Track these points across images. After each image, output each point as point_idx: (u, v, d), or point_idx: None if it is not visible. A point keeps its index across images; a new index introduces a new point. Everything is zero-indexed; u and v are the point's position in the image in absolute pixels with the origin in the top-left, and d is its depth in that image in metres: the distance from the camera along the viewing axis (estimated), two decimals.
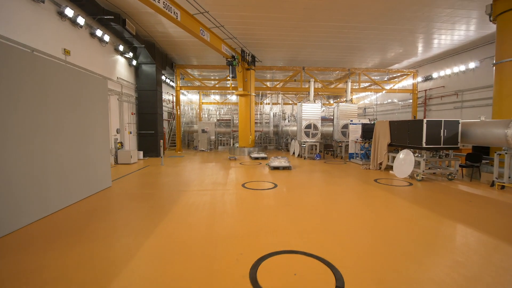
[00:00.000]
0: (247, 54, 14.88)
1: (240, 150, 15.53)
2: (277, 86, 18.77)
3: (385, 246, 3.62)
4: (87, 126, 6.32)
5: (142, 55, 13.88)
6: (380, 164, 10.01)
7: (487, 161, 8.09)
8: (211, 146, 19.78)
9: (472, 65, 14.57)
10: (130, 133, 13.67)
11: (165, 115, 20.76)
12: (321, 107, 26.05)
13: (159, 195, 6.41)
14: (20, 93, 4.39)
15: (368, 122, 12.85)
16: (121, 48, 12.13)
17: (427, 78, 17.88)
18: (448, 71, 16.18)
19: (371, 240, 3.83)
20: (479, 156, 7.95)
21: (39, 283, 2.77)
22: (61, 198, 5.31)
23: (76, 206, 5.45)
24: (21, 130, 4.40)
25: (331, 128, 15.46)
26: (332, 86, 21.63)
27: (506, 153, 6.67)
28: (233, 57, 13.35)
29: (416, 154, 8.19)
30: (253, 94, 15.61)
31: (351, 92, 19.04)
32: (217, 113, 23.58)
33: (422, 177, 7.85)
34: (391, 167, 9.56)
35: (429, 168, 8.41)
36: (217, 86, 19.22)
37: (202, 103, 27.22)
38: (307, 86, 18.43)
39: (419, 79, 18.55)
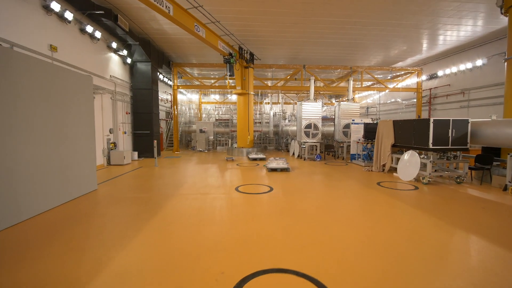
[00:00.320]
0: (245, 52, 14.42)
1: (239, 151, 15.08)
2: (277, 85, 18.27)
3: (389, 265, 3.14)
4: (67, 125, 5.89)
5: (137, 53, 13.47)
6: (383, 166, 9.51)
7: (498, 163, 7.56)
8: (210, 146, 19.35)
9: (479, 62, 13.99)
10: (125, 133, 13.27)
11: (163, 115, 20.39)
12: (323, 106, 25.62)
13: (145, 199, 5.97)
14: None
15: (371, 122, 12.33)
16: (114, 45, 11.73)
17: (432, 77, 17.30)
18: (454, 69, 15.60)
19: (373, 256, 3.35)
20: (489, 158, 7.42)
21: None
22: (33, 205, 4.87)
23: (51, 212, 5.02)
24: None
25: (332, 128, 14.95)
26: (334, 85, 21.12)
27: None
28: (230, 54, 12.90)
29: (422, 156, 7.68)
30: (251, 93, 15.14)
31: (353, 91, 18.55)
32: (215, 113, 23.13)
33: (429, 180, 7.34)
34: (394, 169, 9.05)
35: (435, 171, 7.89)
36: (215, 85, 18.77)
37: (202, 102, 26.83)
38: (308, 85, 17.91)
39: (424, 77, 17.97)
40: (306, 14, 10.73)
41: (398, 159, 8.74)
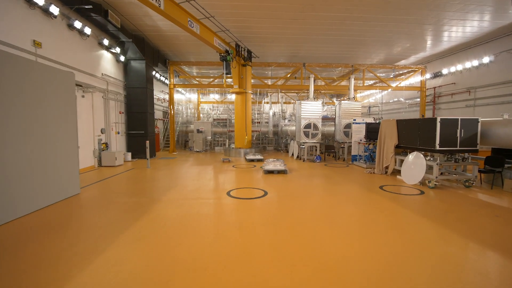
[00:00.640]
0: (242, 49, 13.96)
1: (236, 151, 14.62)
2: (276, 84, 17.78)
3: None
4: (45, 124, 5.46)
5: (131, 51, 13.04)
6: (386, 168, 9.01)
7: (510, 165, 7.04)
8: (207, 147, 18.91)
9: (486, 59, 13.44)
10: (118, 133, 12.85)
11: (159, 115, 19.97)
12: (323, 106, 25.08)
13: (128, 205, 5.52)
14: None
15: (373, 122, 11.82)
16: (106, 42, 11.30)
17: (436, 75, 16.75)
18: (459, 67, 15.05)
19: (375, 278, 2.87)
20: (500, 160, 6.91)
21: None
22: (2, 212, 4.43)
23: (18, 222, 4.57)
24: None
25: (333, 128, 14.46)
26: (335, 83, 20.60)
27: None
28: (227, 51, 12.43)
29: (428, 158, 7.17)
30: (249, 91, 14.68)
31: (354, 90, 18.02)
32: (213, 112, 22.63)
33: (435, 184, 6.84)
34: (398, 172, 8.55)
35: (441, 174, 7.39)
36: (212, 83, 18.31)
37: (201, 102, 26.38)
38: (308, 84, 17.40)
39: (428, 75, 17.42)
40: (305, 9, 10.24)
41: (402, 161, 8.24)
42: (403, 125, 8.25)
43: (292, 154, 14.29)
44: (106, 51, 11.84)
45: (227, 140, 18.11)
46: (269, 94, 23.00)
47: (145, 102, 13.61)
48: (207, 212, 5.02)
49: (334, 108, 17.97)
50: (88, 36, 10.12)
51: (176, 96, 22.69)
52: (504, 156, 7.02)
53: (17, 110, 4.81)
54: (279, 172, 9.16)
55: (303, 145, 12.58)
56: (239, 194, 6.34)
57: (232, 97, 24.60)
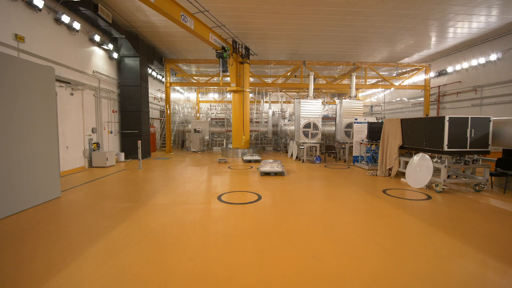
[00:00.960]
0: (239, 46, 13.49)
1: (233, 152, 14.15)
2: (276, 82, 17.29)
3: None
4: (19, 123, 5.01)
5: (124, 47, 12.61)
6: (390, 170, 8.51)
7: None
8: (205, 147, 18.45)
9: (493, 57, 12.90)
10: (111, 132, 12.42)
11: (157, 114, 19.56)
12: (324, 105, 24.57)
13: (107, 211, 5.06)
14: None
15: (375, 121, 11.30)
16: (97, 38, 10.86)
17: (441, 73, 16.21)
18: (465, 65, 14.51)
19: None
20: None
21: None
22: None
23: None
24: None
25: (333, 128, 13.96)
26: (336, 82, 20.09)
27: None
28: (223, 48, 11.98)
29: (435, 159, 6.67)
30: (247, 90, 14.20)
31: (356, 89, 17.52)
32: (210, 112, 22.15)
33: (443, 188, 6.33)
34: (402, 174, 8.05)
35: (448, 177, 6.88)
36: (210, 82, 17.85)
37: (200, 101, 25.95)
38: (308, 83, 16.93)
39: (432, 74, 16.88)
40: (304, 3, 9.76)
41: (406, 162, 7.74)
42: (408, 125, 7.75)
43: (292, 155, 13.81)
44: (98, 48, 11.41)
45: (224, 140, 17.64)
46: (269, 93, 22.55)
47: (139, 100, 13.17)
48: (192, 220, 4.55)
49: (335, 107, 17.45)
50: (77, 31, 9.70)
51: (174, 95, 22.31)
52: None
53: None
54: (276, 174, 8.68)
55: (302, 146, 12.10)
56: (231, 199, 5.87)
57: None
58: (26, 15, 7.63)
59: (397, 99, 20.73)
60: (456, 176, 7.31)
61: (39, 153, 5.54)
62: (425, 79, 17.03)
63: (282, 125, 17.68)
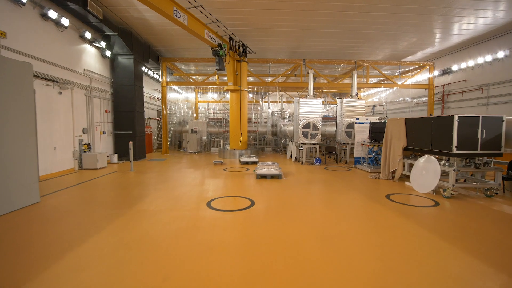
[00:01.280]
0: (236, 43, 13.06)
1: (231, 153, 13.72)
2: (274, 82, 16.81)
3: None
4: None
5: (117, 45, 12.21)
6: (393, 173, 8.04)
7: None
8: (203, 147, 18.03)
9: (501, 54, 12.39)
10: (104, 133, 12.02)
11: (153, 114, 19.18)
12: (325, 105, 24.11)
13: (84, 219, 4.63)
14: None
15: (378, 121, 10.82)
16: (88, 35, 10.46)
17: (446, 72, 15.70)
18: (470, 63, 14.00)
19: None
20: None
21: None
22: None
23: None
24: None
25: (334, 128, 13.49)
26: (337, 81, 19.61)
27: None
28: (219, 46, 11.54)
29: (443, 162, 6.20)
30: (245, 89, 13.76)
31: (358, 88, 17.04)
32: (207, 112, 21.70)
33: (452, 193, 5.86)
34: (407, 177, 7.59)
35: (456, 181, 6.40)
36: (206, 81, 17.40)
37: (198, 101, 25.54)
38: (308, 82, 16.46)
39: (436, 73, 16.37)
40: None
41: (411, 165, 7.27)
42: (413, 125, 7.27)
43: (291, 156, 13.35)
44: (89, 45, 11.01)
45: (222, 141, 17.20)
46: (268, 93, 22.09)
47: (133, 100, 12.77)
48: (175, 230, 4.10)
49: (336, 107, 17.00)
50: (66, 27, 9.30)
51: (173, 95, 21.92)
52: None
53: None
54: (273, 177, 8.23)
55: (301, 147, 11.64)
56: (221, 205, 5.43)
57: None
58: (8, 9, 7.23)
59: (400, 99, 20.22)
60: (464, 180, 6.83)
61: (14, 156, 5.13)
62: (429, 78, 16.52)
63: (282, 125, 17.23)
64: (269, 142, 18.98)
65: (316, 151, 11.92)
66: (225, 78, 14.62)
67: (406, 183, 7.36)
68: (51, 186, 7.24)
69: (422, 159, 6.71)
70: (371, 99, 24.49)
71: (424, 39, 13.57)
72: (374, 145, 9.84)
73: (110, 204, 5.55)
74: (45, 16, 8.44)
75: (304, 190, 6.82)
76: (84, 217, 4.76)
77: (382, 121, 10.38)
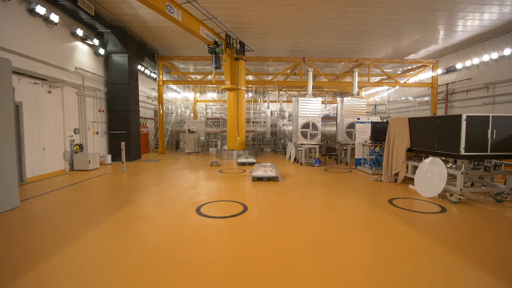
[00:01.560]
0: (234, 41, 12.69)
1: (228, 154, 13.36)
2: (273, 80, 16.42)
3: None
4: None
5: (111, 43, 11.86)
6: (396, 175, 7.64)
7: None
8: (201, 148, 17.67)
9: (507, 51, 11.95)
10: (97, 133, 11.68)
11: (151, 114, 18.84)
12: (326, 104, 23.71)
13: (59, 228, 4.28)
14: None
15: (380, 121, 10.42)
16: (80, 32, 10.12)
17: (449, 70, 15.26)
18: (475, 60, 13.56)
19: None
20: None
21: None
22: None
23: None
24: None
25: (334, 128, 13.09)
26: (338, 80, 19.19)
27: None
28: (216, 43, 11.17)
29: (450, 165, 5.80)
30: (243, 88, 13.40)
31: (359, 87, 16.68)
32: (205, 112, 21.31)
33: (459, 198, 5.46)
34: (410, 180, 7.19)
35: (465, 185, 6.00)
36: (204, 80, 17.03)
37: (198, 101, 25.19)
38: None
39: (439, 71, 15.93)
40: None
41: (415, 167, 6.87)
42: (417, 124, 6.88)
43: (290, 157, 12.97)
44: (81, 43, 10.68)
45: (219, 141, 16.83)
46: (268, 92, 21.71)
47: (128, 99, 12.43)
48: (153, 244, 3.71)
49: (336, 106, 16.60)
50: (55, 24, 8.95)
51: (171, 95, 21.58)
52: None
53: None
54: (269, 179, 7.86)
55: (300, 147, 11.25)
56: (211, 211, 5.06)
57: None
58: None
59: (402, 98, 19.78)
60: (472, 184, 6.42)
61: None
62: (432, 77, 16.08)
63: (281, 125, 16.85)
64: (268, 143, 18.61)
65: (315, 152, 11.53)
66: (223, 77, 14.29)
67: (410, 186, 6.96)
68: (37, 189, 6.91)
69: (427, 161, 6.31)
70: (373, 98, 24.06)
71: (428, 36, 13.15)
72: (376, 146, 9.45)
73: (92, 210, 5.19)
74: (32, 12, 8.10)
75: (301, 194, 6.44)
76: (61, 224, 4.41)
77: (384, 121, 9.98)
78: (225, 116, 18.36)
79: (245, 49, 13.62)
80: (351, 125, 11.86)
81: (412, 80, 16.99)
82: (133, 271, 2.97)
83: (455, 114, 5.43)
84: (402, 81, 16.84)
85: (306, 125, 11.29)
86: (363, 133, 10.51)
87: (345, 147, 11.98)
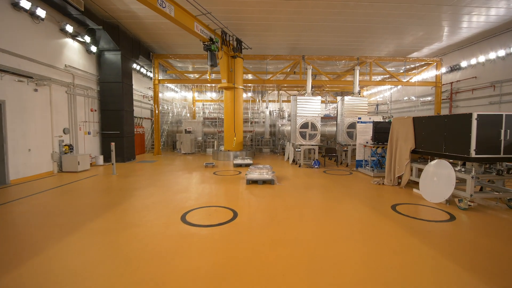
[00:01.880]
0: (230, 37, 12.27)
1: (225, 154, 12.94)
2: (272, 79, 15.97)
3: None
4: None
5: (103, 40, 11.48)
6: (399, 178, 7.20)
7: None
8: (198, 148, 17.27)
9: None
10: (89, 133, 11.29)
11: (147, 113, 18.46)
12: (326, 104, 23.25)
13: (24, 238, 3.87)
14: None
15: (382, 120, 9.97)
16: (69, 28, 9.74)
17: (454, 68, 14.78)
18: (481, 58, 13.07)
19: None
20: None
21: None
22: None
23: None
24: None
25: (334, 128, 12.65)
26: (340, 78, 18.74)
27: None
28: (211, 40, 10.76)
29: (458, 168, 5.35)
30: (240, 87, 12.98)
31: (361, 87, 16.23)
32: (202, 112, 20.91)
33: (469, 205, 5.01)
34: (415, 183, 6.74)
35: (474, 189, 5.54)
36: (201, 79, 16.60)
37: (196, 100, 24.81)
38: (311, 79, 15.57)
39: (443, 69, 15.45)
40: None
41: (420, 170, 6.42)
42: (422, 124, 6.43)
43: (288, 158, 12.53)
44: (71, 40, 10.29)
45: (216, 141, 16.42)
46: (268, 91, 21.29)
47: (121, 98, 12.03)
48: (123, 259, 3.26)
49: (336, 106, 16.14)
50: (42, 19, 8.57)
51: (169, 94, 21.20)
52: None
53: None
54: (265, 182, 7.42)
55: (299, 148, 10.81)
56: (197, 218, 4.63)
57: None
58: None
59: (405, 98, 19.30)
60: (481, 188, 5.96)
61: None
62: (436, 75, 15.61)
63: (280, 125, 16.41)
64: (267, 143, 18.17)
65: (315, 153, 11.09)
66: (214, 73, 13.86)
67: (414, 190, 6.51)
68: (19, 192, 6.52)
69: (433, 164, 5.86)
70: (375, 98, 23.58)
71: (431, 33, 12.68)
72: (378, 147, 9.00)
73: (69, 217, 4.78)
74: (17, 6, 7.72)
75: (297, 199, 6.00)
76: (31, 233, 4.00)
77: (387, 121, 9.53)
78: (223, 116, 17.96)
79: (243, 47, 13.20)
80: (352, 125, 11.41)
81: (415, 79, 16.51)
82: None
83: (464, 113, 4.98)
84: (404, 80, 16.37)
85: (305, 125, 10.85)
86: (364, 134, 10.06)
87: (345, 148, 11.53)
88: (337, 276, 2.88)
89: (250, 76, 19.72)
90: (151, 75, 17.93)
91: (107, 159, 11.69)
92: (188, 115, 21.80)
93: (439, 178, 5.56)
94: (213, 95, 25.27)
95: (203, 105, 21.52)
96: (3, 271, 2.93)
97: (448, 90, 15.12)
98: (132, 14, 10.80)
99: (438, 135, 5.76)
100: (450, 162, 5.47)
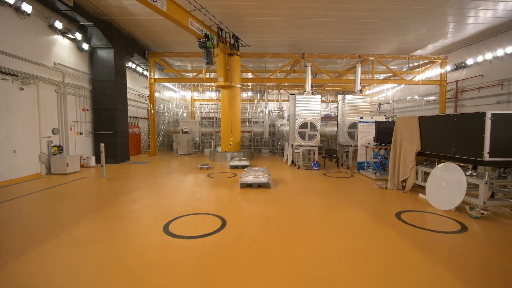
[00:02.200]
0: (226, 34, 11.84)
1: (222, 155, 12.52)
2: (271, 78, 15.52)
3: None
4: None
5: (96, 37, 11.08)
6: (404, 182, 6.73)
7: None
8: (195, 149, 16.86)
9: None
10: (80, 133, 10.92)
11: (144, 113, 18.08)
12: (327, 104, 22.78)
13: None
14: None
15: (385, 120, 9.50)
16: (59, 25, 9.35)
17: (459, 66, 14.26)
18: (488, 55, 12.55)
19: None
20: None
21: None
22: None
23: None
24: None
25: (335, 128, 12.19)
26: (341, 77, 18.25)
27: None
28: (206, 36, 10.34)
29: (469, 172, 4.89)
30: (237, 86, 12.55)
31: (363, 86, 15.75)
32: (199, 111, 20.49)
33: (482, 213, 4.55)
34: (420, 188, 6.28)
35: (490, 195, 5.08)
36: (197, 77, 16.17)
37: (195, 100, 24.41)
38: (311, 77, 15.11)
39: (448, 67, 14.93)
40: None
41: (426, 173, 5.96)
42: (429, 124, 5.96)
43: (287, 159, 12.09)
44: (61, 37, 9.91)
45: (212, 142, 16.00)
46: (267, 91, 20.84)
47: (114, 97, 11.65)
48: (91, 280, 2.88)
49: (337, 105, 15.67)
50: (28, 15, 8.19)
51: (167, 93, 20.81)
52: None
53: None
54: (260, 186, 6.99)
55: (298, 149, 10.37)
56: (182, 228, 4.21)
57: None
58: None
59: (408, 98, 18.78)
60: (492, 193, 5.50)
61: None
62: (440, 73, 15.09)
63: (279, 125, 15.97)
64: (266, 144, 17.73)
65: (314, 154, 10.64)
66: (209, 72, 13.44)
67: (420, 195, 6.05)
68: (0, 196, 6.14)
69: (441, 168, 5.40)
70: (377, 97, 23.07)
71: (436, 30, 12.17)
72: (380, 148, 8.54)
73: (43, 225, 4.37)
74: (0, 1, 7.34)
75: (294, 206, 5.56)
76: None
77: (390, 120, 9.07)
78: (220, 115, 17.54)
79: (240, 44, 12.78)
80: (353, 125, 10.95)
81: (419, 77, 16.01)
82: None
83: (477, 112, 4.52)
84: (408, 79, 15.87)
85: (304, 125, 10.40)
86: (366, 134, 9.59)
87: (346, 149, 11.06)
88: None
89: (249, 75, 19.31)
90: (147, 73, 17.60)
91: (99, 160, 11.26)
92: (185, 114, 21.38)
93: (447, 183, 5.10)
94: (212, 94, 24.85)
95: (201, 104, 21.09)
96: None
97: (453, 89, 14.60)
98: (125, 10, 10.41)
99: (447, 136, 5.30)
100: (461, 166, 5.00)
